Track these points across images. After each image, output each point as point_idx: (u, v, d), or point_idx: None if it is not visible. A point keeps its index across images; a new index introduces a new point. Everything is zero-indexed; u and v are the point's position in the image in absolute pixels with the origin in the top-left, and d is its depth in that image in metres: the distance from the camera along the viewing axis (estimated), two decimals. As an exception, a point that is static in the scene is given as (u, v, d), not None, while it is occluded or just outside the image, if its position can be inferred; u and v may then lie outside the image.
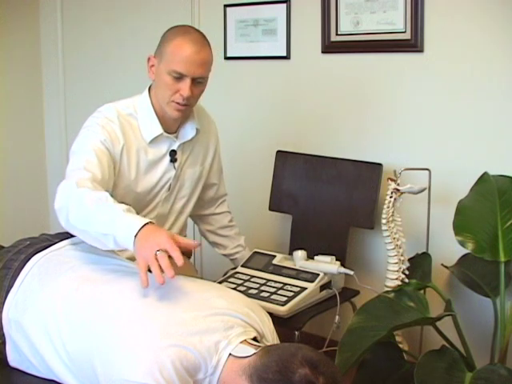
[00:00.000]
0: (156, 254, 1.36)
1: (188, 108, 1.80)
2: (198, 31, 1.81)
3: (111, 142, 1.75)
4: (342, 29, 2.39)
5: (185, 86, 1.73)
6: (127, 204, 1.83)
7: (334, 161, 2.37)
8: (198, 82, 1.76)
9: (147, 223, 1.44)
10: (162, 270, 1.36)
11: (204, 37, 1.79)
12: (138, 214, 1.89)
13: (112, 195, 1.75)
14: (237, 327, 1.37)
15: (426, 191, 2.12)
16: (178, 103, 1.75)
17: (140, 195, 1.86)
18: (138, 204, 1.88)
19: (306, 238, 2.38)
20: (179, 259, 1.36)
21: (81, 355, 1.38)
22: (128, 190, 1.83)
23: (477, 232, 1.92)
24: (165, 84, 1.75)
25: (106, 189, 1.66)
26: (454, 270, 2.13)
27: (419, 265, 2.12)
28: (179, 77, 1.72)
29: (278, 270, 2.11)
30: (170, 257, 1.38)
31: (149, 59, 1.81)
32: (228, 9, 2.71)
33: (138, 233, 1.41)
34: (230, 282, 2.06)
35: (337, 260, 2.10)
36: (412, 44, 2.23)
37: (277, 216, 2.61)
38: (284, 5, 2.55)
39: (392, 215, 2.01)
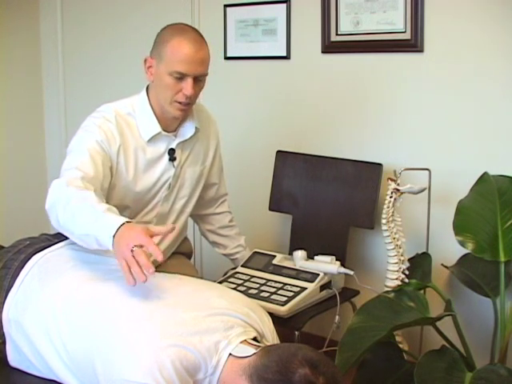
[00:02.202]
0: (132, 251, 1.34)
1: (190, 107, 1.81)
2: (194, 29, 1.81)
3: (107, 142, 1.75)
4: (342, 29, 2.39)
5: (187, 86, 1.73)
6: (126, 204, 1.84)
7: (334, 161, 2.37)
8: (199, 80, 1.77)
9: (124, 222, 1.41)
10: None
11: (200, 34, 1.79)
12: (138, 213, 1.90)
13: (106, 194, 1.74)
14: (237, 327, 1.37)
15: (426, 191, 2.12)
16: (180, 103, 1.76)
17: (139, 194, 1.86)
18: (138, 203, 1.88)
19: (306, 238, 2.38)
20: (158, 254, 1.33)
21: (81, 355, 1.38)
22: (127, 189, 1.83)
23: (477, 232, 1.92)
24: (166, 85, 1.75)
25: (99, 186, 1.66)
26: (454, 270, 2.13)
27: (419, 265, 2.12)
28: (181, 77, 1.73)
29: (278, 270, 2.11)
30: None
31: (145, 60, 1.81)
32: (228, 9, 2.71)
33: (116, 233, 1.39)
34: (230, 282, 2.06)
35: (337, 260, 2.10)
36: (412, 44, 2.23)
37: (277, 216, 2.61)
38: (284, 5, 2.55)
39: (392, 215, 2.01)
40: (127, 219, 1.44)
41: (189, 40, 1.73)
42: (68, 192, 1.55)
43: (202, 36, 1.79)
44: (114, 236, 1.39)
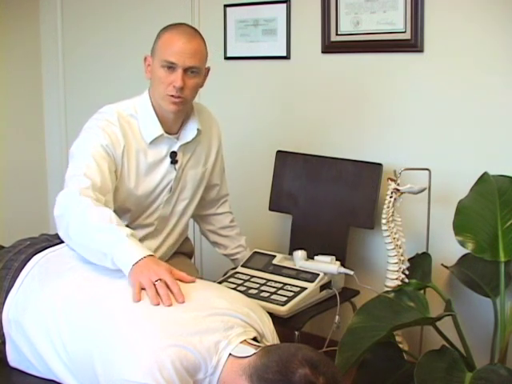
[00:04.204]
0: (155, 283, 1.40)
1: (183, 101, 1.78)
2: (189, 26, 1.83)
3: (112, 146, 1.74)
4: (342, 29, 2.39)
5: (176, 77, 1.73)
6: (127, 207, 1.83)
7: (334, 161, 2.37)
8: (192, 73, 1.76)
9: (149, 255, 1.47)
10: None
11: (195, 30, 1.81)
12: (139, 216, 1.89)
13: (113, 200, 1.75)
14: (237, 327, 1.37)
15: (426, 191, 2.12)
16: (172, 96, 1.75)
17: (141, 198, 1.86)
18: (140, 206, 1.88)
19: (306, 238, 2.38)
20: (179, 296, 1.40)
21: (81, 355, 1.38)
22: (129, 192, 1.82)
23: (477, 232, 1.92)
24: (158, 78, 1.76)
25: (110, 197, 1.68)
26: (454, 270, 2.13)
27: (419, 265, 2.12)
28: (171, 67, 1.73)
29: (278, 270, 2.11)
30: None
31: (145, 59, 1.83)
32: (228, 9, 2.71)
33: (138, 261, 1.44)
34: (230, 282, 2.05)
35: (337, 260, 2.10)
36: (412, 44, 2.23)
37: (277, 216, 2.61)
38: (284, 5, 2.55)
39: (392, 215, 2.01)
40: (150, 252, 1.49)
41: (180, 33, 1.75)
42: (83, 206, 1.56)
43: (197, 31, 1.80)
44: (134, 264, 1.44)
